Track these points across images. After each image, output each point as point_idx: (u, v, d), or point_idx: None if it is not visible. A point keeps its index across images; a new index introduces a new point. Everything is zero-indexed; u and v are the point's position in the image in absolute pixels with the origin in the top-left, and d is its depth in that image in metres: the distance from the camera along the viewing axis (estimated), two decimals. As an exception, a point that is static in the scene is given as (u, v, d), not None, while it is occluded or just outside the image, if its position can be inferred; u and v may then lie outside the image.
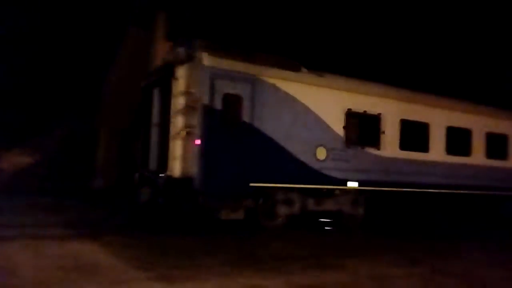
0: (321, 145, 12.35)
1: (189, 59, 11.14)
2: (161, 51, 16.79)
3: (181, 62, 11.16)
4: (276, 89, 11.75)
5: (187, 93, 10.91)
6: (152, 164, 12.34)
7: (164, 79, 11.81)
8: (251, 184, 11.30)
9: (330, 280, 7.02)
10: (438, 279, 7.54)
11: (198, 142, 10.51)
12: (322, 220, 13.81)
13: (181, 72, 11.05)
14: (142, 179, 12.65)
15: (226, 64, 11.00)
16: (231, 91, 10.95)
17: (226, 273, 7.19)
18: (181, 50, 11.37)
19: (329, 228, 13.79)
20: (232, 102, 10.99)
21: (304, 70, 12.75)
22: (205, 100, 10.54)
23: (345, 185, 12.87)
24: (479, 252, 11.02)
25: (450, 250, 11.27)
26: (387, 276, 7.50)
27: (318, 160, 12.28)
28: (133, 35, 21.15)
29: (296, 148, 12.15)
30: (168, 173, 10.91)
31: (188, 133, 10.78)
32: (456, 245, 12.07)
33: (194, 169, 10.56)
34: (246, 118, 11.19)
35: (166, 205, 11.52)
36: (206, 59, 10.66)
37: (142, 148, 13.01)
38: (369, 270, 7.91)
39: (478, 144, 16.12)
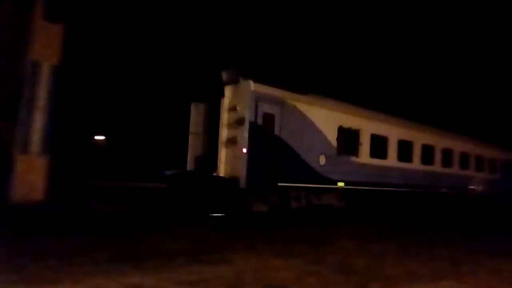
0: (322, 153, 15.55)
1: (235, 82, 13.66)
2: (39, 30, 15.87)
3: (227, 84, 13.63)
4: (295, 109, 14.72)
5: (232, 109, 13.54)
6: (190, 164, 14.66)
7: (212, 98, 14.01)
8: (279, 184, 14.03)
9: (213, 275, 7.05)
10: (312, 269, 7.76)
11: (245, 150, 13.11)
12: (215, 214, 13.91)
13: (228, 92, 13.71)
14: (175, 177, 14.59)
15: (265, 89, 13.81)
16: (268, 111, 13.76)
17: (104, 272, 6.90)
18: (228, 74, 13.69)
19: (213, 222, 13.53)
20: (269, 119, 13.81)
21: (309, 93, 15.76)
22: (251, 118, 13.34)
23: (336, 184, 16.14)
24: (356, 242, 11.33)
25: (328, 239, 11.57)
26: (267, 268, 7.72)
27: (320, 165, 15.51)
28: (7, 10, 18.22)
29: (307, 155, 15.17)
30: (217, 173, 13.45)
31: (234, 143, 13.36)
32: (337, 235, 12.49)
33: (241, 172, 13.06)
34: (277, 132, 14.01)
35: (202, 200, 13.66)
36: (252, 86, 13.44)
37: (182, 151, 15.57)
38: (254, 263, 8.05)
39: (417, 153, 20.50)
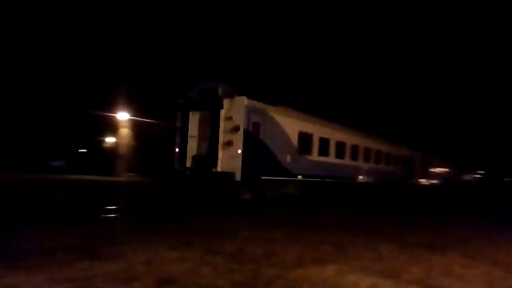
0: (288, 153, 19.42)
1: (230, 96, 16.60)
2: None
3: (224, 98, 16.46)
4: (272, 118, 18.31)
5: (229, 118, 16.55)
6: (188, 163, 17.32)
7: (213, 109, 16.76)
8: (262, 177, 17.70)
9: (102, 270, 6.74)
10: (209, 259, 7.74)
11: (240, 151, 16.38)
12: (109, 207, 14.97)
13: (225, 105, 16.65)
14: (180, 172, 17.64)
15: (253, 103, 17.16)
16: (255, 120, 17.16)
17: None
18: (224, 90, 16.59)
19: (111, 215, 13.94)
20: (256, 126, 17.24)
21: (279, 105, 19.22)
22: (245, 126, 16.52)
23: (297, 177, 20.08)
24: (259, 228, 11.76)
25: (231, 228, 11.85)
26: (162, 260, 7.53)
27: (287, 162, 19.34)
28: None
29: (279, 154, 18.76)
30: (216, 169, 16.44)
31: (231, 145, 16.32)
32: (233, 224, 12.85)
33: (237, 168, 16.28)
34: (261, 136, 17.55)
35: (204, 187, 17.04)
36: (246, 101, 16.65)
37: (183, 150, 17.54)
38: (145, 256, 7.76)
39: (356, 152, 25.94)
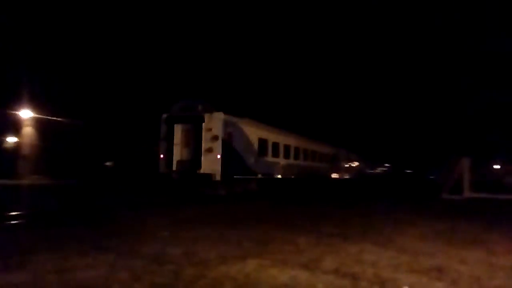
0: (252, 156, 20.92)
1: (209, 112, 18.61)
2: None
3: (204, 113, 18.70)
4: (241, 128, 20.01)
5: (209, 129, 18.40)
6: (174, 166, 19.12)
7: (196, 122, 18.77)
8: (234, 177, 19.37)
9: (6, 282, 5.76)
10: (126, 262, 6.67)
11: (219, 156, 18.03)
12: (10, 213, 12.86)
13: (206, 119, 18.49)
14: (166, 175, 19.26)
15: (228, 117, 18.79)
16: (229, 130, 18.71)
17: None
18: (205, 108, 19.04)
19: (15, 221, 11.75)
20: (229, 136, 18.79)
21: (245, 117, 20.77)
22: (222, 136, 18.23)
23: (257, 176, 21.66)
24: (180, 227, 10.57)
25: (149, 228, 10.52)
26: (74, 267, 6.47)
27: (251, 163, 20.75)
28: None
29: (246, 158, 20.48)
30: (200, 171, 18.21)
31: (211, 151, 18.46)
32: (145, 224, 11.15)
33: (216, 170, 18.22)
34: (234, 143, 19.11)
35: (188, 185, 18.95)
36: (223, 116, 18.47)
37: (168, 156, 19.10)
38: (56, 264, 6.64)
39: (298, 153, 28.65)
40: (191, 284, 5.57)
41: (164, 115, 19.79)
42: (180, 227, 10.39)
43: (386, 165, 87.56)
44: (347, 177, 44.14)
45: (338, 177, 40.62)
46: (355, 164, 48.04)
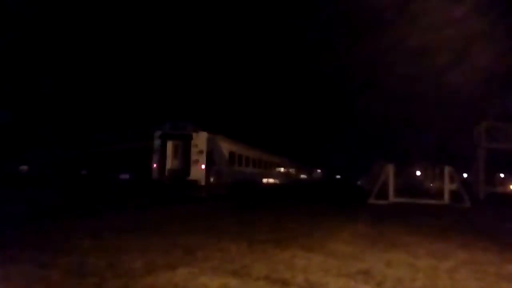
0: (225, 165, 20.11)
1: (196, 131, 17.81)
2: None
3: (193, 132, 17.99)
4: (218, 143, 19.04)
5: (196, 145, 17.55)
6: (166, 174, 17.87)
7: (186, 139, 17.91)
8: (212, 182, 18.28)
9: None
10: (43, 274, 4.83)
11: (203, 166, 17.24)
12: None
13: (194, 137, 17.67)
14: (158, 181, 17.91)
15: (210, 135, 17.73)
16: (211, 146, 17.64)
17: None
18: (192, 128, 18.28)
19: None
20: (211, 150, 17.77)
21: (220, 134, 19.87)
22: (206, 150, 17.37)
23: (230, 180, 21.05)
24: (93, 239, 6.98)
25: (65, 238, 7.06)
26: None
27: (225, 172, 20.00)
28: None
29: (221, 167, 19.80)
30: (189, 178, 17.34)
31: (198, 162, 17.62)
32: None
33: (201, 177, 17.43)
34: (214, 156, 18.12)
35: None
36: (206, 135, 17.56)
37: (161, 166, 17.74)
38: None
39: (254, 162, 27.67)
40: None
41: (158, 133, 18.59)
42: (104, 236, 7.32)
43: (318, 170, 76.24)
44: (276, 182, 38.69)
45: (279, 182, 36.45)
46: (292, 170, 44.86)
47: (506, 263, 5.86)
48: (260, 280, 4.79)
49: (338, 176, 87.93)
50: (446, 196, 19.04)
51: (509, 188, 44.65)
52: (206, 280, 4.68)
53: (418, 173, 39.22)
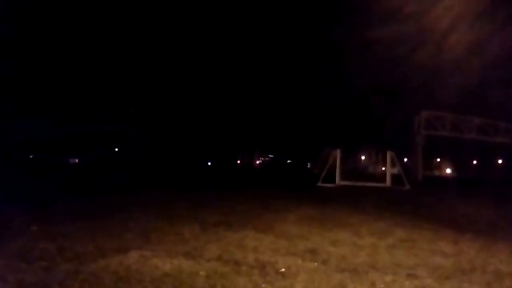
0: None
1: None
2: None
3: None
4: None
5: None
6: None
7: None
8: None
9: None
10: None
11: None
12: None
13: None
14: None
15: None
16: None
17: None
18: None
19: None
20: None
21: None
22: None
23: None
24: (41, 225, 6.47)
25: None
26: None
27: None
28: None
29: None
30: None
31: None
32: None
33: None
34: None
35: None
36: None
37: None
38: None
39: None
40: (66, 281, 3.99)
41: None
42: (53, 221, 6.91)
43: (270, 155, 76.02)
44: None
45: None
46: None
47: (439, 240, 6.25)
48: (213, 261, 4.83)
49: (289, 161, 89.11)
50: (388, 179, 20.30)
51: (445, 171, 48.36)
52: (159, 262, 4.67)
53: (363, 158, 41.22)
